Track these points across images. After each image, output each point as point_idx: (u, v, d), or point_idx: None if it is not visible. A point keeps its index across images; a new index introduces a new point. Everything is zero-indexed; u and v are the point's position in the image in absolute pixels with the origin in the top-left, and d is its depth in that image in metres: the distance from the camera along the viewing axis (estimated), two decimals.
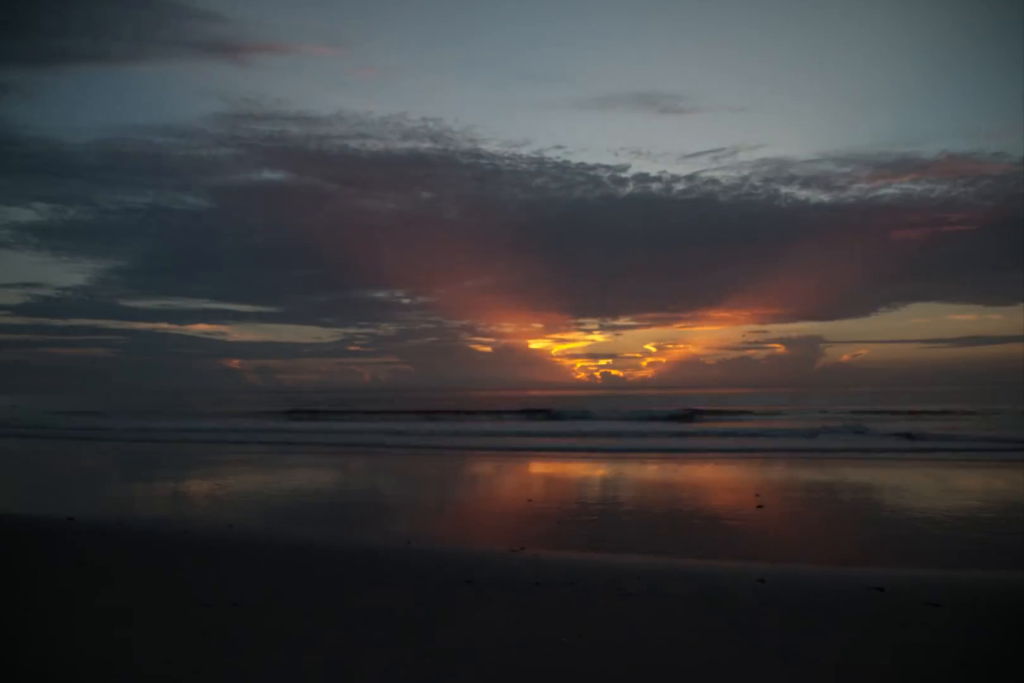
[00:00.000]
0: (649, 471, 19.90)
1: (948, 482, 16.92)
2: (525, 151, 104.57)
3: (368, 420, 45.77)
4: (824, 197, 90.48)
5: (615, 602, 6.86)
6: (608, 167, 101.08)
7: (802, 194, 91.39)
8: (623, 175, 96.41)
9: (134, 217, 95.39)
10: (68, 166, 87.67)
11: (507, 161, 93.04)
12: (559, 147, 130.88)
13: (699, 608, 6.66)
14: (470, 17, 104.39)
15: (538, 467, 21.30)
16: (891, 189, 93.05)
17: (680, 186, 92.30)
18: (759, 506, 12.82)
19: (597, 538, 10.42)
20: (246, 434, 33.74)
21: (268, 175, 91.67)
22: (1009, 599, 7.15)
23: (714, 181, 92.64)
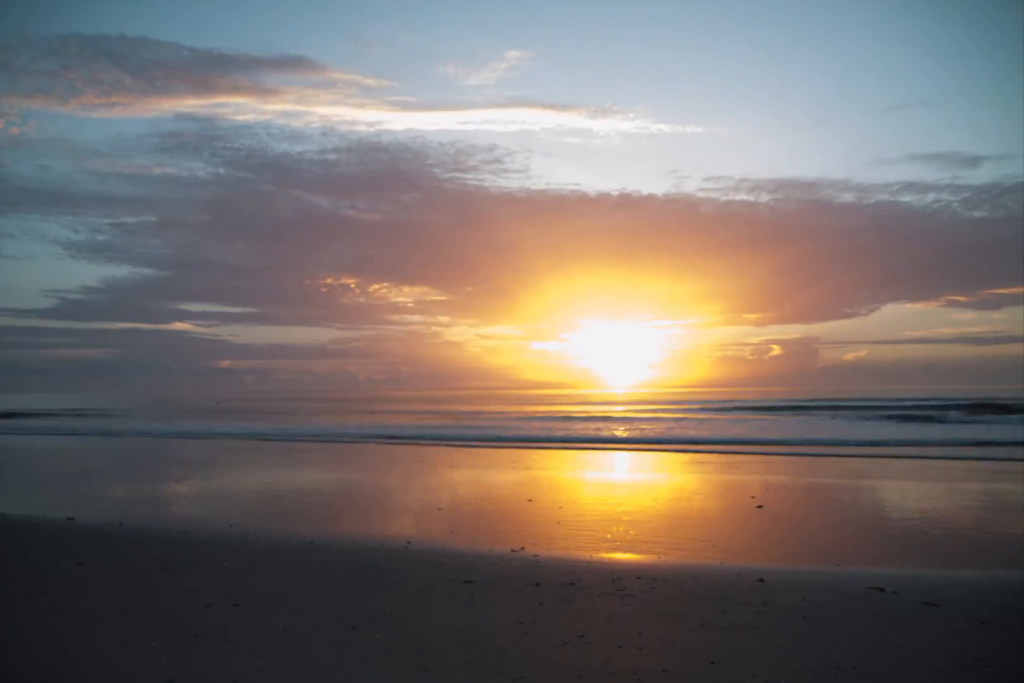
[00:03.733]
0: (648, 470, 19.91)
1: (947, 482, 16.92)
2: (510, 166, 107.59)
3: None
4: (819, 206, 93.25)
5: (615, 602, 6.87)
6: (590, 182, 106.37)
7: (794, 205, 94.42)
8: (606, 189, 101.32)
9: (146, 229, 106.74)
10: (90, 188, 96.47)
11: (491, 176, 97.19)
12: (548, 155, 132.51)
13: (699, 608, 6.67)
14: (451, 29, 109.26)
15: (535, 466, 21.29)
16: (881, 197, 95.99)
17: (661, 198, 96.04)
18: (759, 506, 12.82)
19: (597, 538, 10.43)
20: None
21: (259, 188, 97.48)
22: (1007, 599, 7.15)
23: (692, 195, 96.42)
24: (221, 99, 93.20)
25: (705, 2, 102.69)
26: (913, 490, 15.48)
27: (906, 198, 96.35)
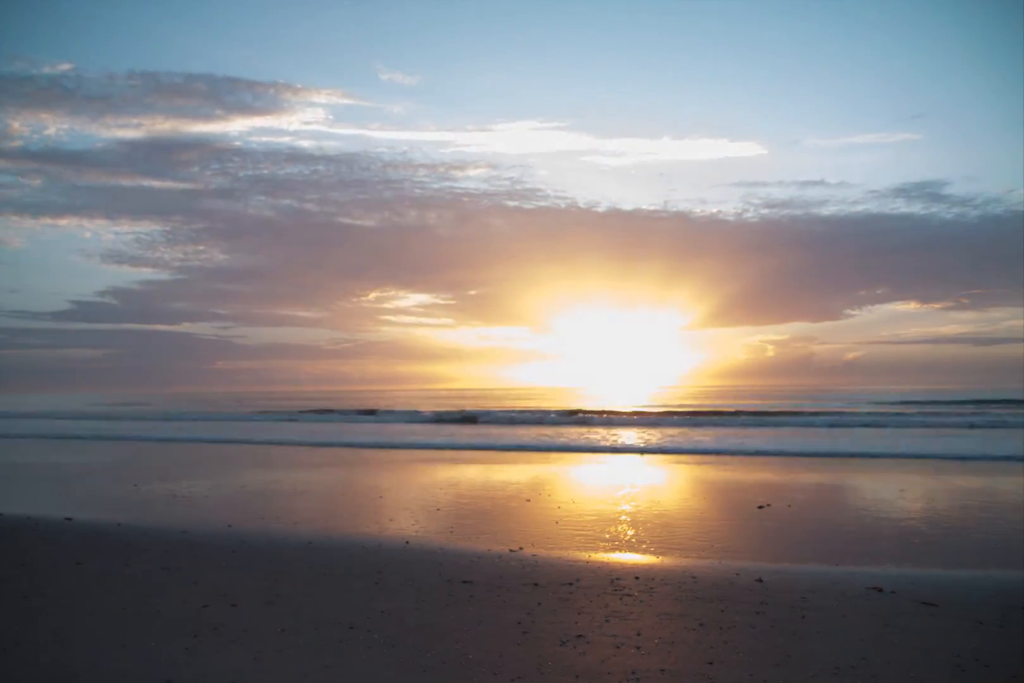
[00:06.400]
0: (648, 470, 19.91)
1: (946, 482, 16.94)
2: (507, 174, 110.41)
3: None
4: (809, 215, 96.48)
5: (613, 602, 6.87)
6: (582, 194, 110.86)
7: (784, 213, 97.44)
8: (599, 199, 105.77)
9: (157, 236, 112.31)
10: (104, 197, 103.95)
11: (486, 185, 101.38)
12: (542, 169, 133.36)
13: (697, 608, 6.67)
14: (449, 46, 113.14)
15: (536, 466, 21.29)
16: (873, 204, 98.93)
17: (652, 208, 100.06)
18: (760, 506, 12.83)
19: (595, 538, 10.43)
20: None
21: (260, 199, 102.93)
22: (1006, 599, 7.15)
23: (683, 205, 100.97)
24: (232, 119, 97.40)
25: (696, 24, 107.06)
26: (911, 490, 15.49)
27: (895, 205, 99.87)
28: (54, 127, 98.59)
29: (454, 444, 28.40)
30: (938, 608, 6.70)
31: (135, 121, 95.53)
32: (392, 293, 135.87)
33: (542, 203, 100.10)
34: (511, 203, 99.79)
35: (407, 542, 9.95)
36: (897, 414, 40.71)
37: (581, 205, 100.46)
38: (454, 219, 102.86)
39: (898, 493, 14.91)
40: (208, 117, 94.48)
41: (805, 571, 8.38)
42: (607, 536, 10.56)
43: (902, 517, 12.02)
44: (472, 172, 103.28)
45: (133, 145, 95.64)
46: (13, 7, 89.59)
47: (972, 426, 32.60)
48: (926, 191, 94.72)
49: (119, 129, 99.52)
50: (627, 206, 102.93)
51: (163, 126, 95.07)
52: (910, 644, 5.71)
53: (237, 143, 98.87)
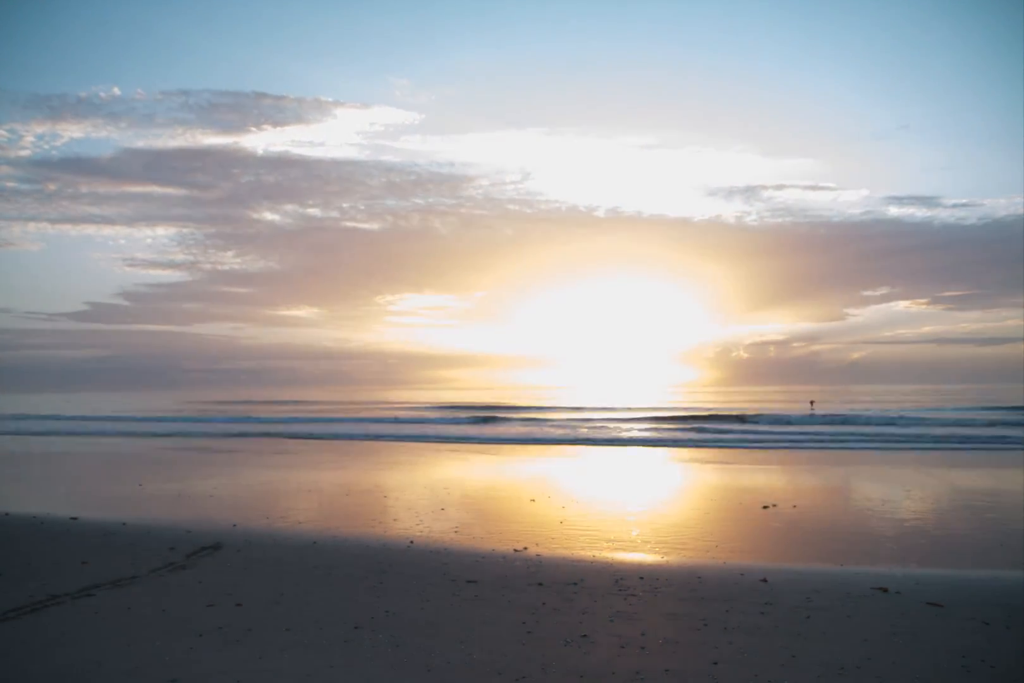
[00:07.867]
0: (653, 471, 19.89)
1: (951, 482, 16.88)
2: (510, 178, 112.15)
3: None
4: (808, 219, 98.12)
5: (618, 602, 6.86)
6: (583, 199, 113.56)
7: (787, 218, 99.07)
8: (600, 204, 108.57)
9: (169, 241, 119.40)
10: (116, 202, 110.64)
11: (494, 188, 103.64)
12: (543, 174, 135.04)
13: (702, 608, 6.66)
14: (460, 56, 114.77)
15: (541, 466, 21.28)
16: (874, 208, 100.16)
17: (654, 211, 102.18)
18: (765, 507, 12.80)
19: (600, 538, 10.41)
20: None
21: (269, 206, 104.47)
22: (1011, 599, 7.13)
23: (682, 210, 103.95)
24: (250, 130, 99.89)
25: (697, 36, 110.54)
26: (917, 490, 15.44)
27: (896, 208, 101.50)
28: (77, 138, 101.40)
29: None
30: (944, 609, 6.68)
31: (155, 132, 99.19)
32: (399, 296, 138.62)
33: (544, 207, 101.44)
34: (513, 207, 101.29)
35: (411, 542, 9.95)
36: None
37: (582, 209, 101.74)
38: (459, 224, 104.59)
39: (903, 493, 14.87)
40: (228, 129, 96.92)
41: (810, 571, 8.35)
42: (611, 536, 10.54)
43: (907, 517, 11.98)
44: (477, 179, 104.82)
45: (150, 154, 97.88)
46: (57, 33, 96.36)
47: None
48: (926, 195, 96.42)
49: (138, 139, 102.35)
50: (629, 210, 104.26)
51: (183, 137, 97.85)
52: (916, 645, 5.69)
53: (251, 152, 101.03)
